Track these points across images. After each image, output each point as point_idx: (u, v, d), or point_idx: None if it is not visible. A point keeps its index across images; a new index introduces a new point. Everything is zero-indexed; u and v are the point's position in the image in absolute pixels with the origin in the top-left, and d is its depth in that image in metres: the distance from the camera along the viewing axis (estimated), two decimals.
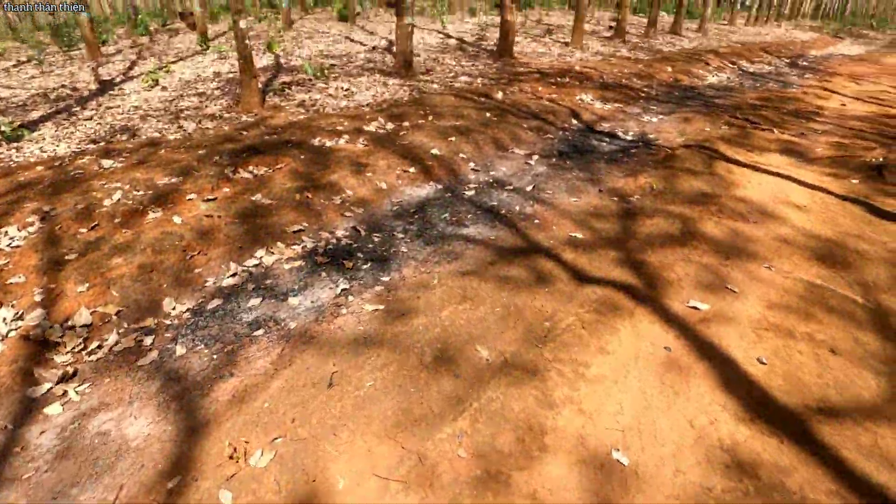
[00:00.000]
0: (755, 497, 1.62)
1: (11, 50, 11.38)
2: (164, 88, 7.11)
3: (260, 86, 6.67)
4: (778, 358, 2.20)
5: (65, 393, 2.11)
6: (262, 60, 9.14)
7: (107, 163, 4.13)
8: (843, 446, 1.78)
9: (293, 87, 7.08)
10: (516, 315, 2.50)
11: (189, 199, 3.58)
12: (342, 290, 2.83)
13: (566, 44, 11.95)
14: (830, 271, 2.87)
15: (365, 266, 3.08)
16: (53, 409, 2.03)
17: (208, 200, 3.61)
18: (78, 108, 6.19)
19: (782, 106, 7.16)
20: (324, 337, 2.42)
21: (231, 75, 7.80)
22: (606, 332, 2.35)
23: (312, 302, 2.74)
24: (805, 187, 4.06)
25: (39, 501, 1.69)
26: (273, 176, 4.02)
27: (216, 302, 2.73)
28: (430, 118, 5.56)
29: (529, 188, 4.21)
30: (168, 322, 2.54)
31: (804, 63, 13.34)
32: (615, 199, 3.93)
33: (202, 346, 2.39)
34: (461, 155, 4.83)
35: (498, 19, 11.24)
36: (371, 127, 5.16)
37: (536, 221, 3.59)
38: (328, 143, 4.69)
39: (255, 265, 3.08)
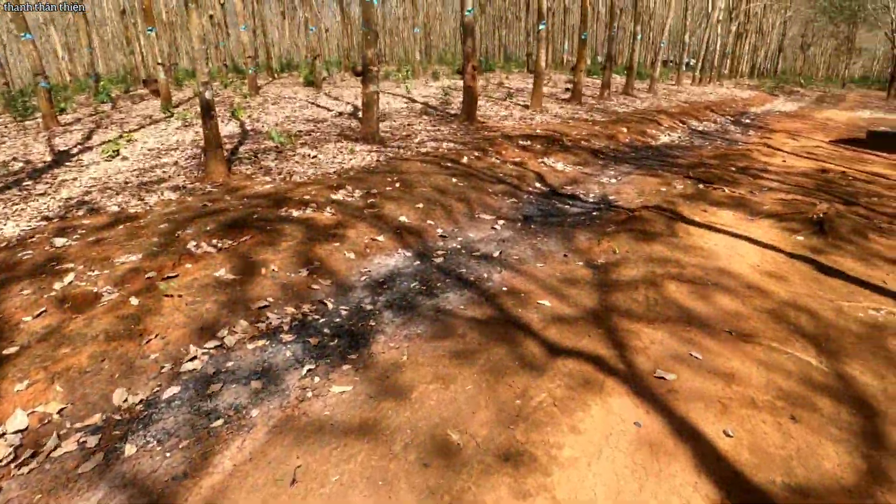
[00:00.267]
0: None
1: None
2: (125, 158, 7.05)
3: (226, 154, 6.69)
4: (743, 429, 2.21)
5: None
6: (227, 127, 9.22)
7: (59, 241, 4.00)
8: None
9: (260, 156, 7.13)
10: (487, 393, 2.47)
11: (148, 278, 3.47)
12: (308, 370, 2.74)
13: (526, 106, 12.54)
14: (786, 333, 2.96)
15: (332, 343, 3.01)
16: None
17: (169, 278, 3.51)
18: (30, 183, 6.02)
19: (731, 164, 7.61)
20: (288, 425, 2.32)
21: (196, 144, 7.82)
22: (578, 408, 2.33)
23: (276, 385, 2.64)
24: (757, 245, 4.25)
25: None
26: (237, 248, 3.97)
27: (173, 390, 2.60)
28: (398, 185, 5.66)
29: (497, 254, 4.27)
30: (118, 417, 2.39)
31: (746, 120, 14.33)
32: (580, 263, 4.02)
33: (154, 442, 2.25)
34: (429, 221, 4.89)
35: (461, 83, 11.76)
36: (339, 195, 5.20)
37: (505, 289, 3.61)
38: (295, 213, 4.68)
39: (217, 346, 2.97)
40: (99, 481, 2.04)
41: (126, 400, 2.50)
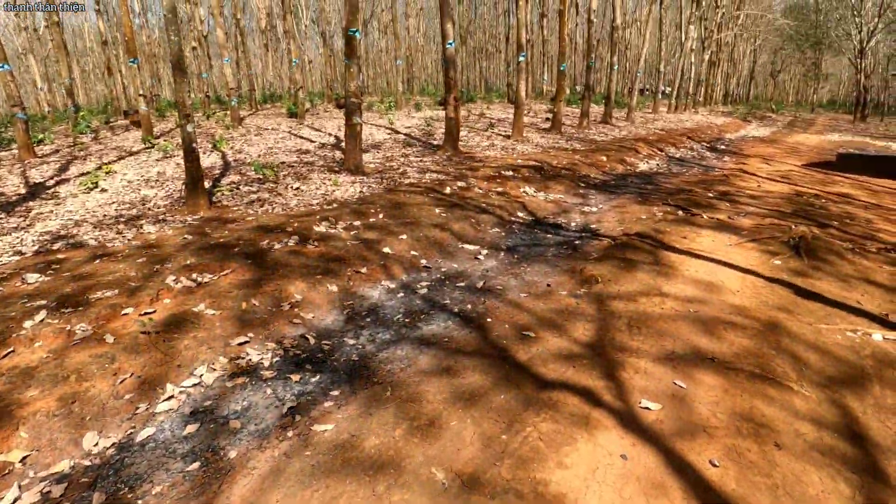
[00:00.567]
0: None
1: None
2: (103, 191, 6.96)
3: (207, 186, 6.65)
4: (729, 459, 2.19)
5: None
6: (209, 159, 9.20)
7: (32, 277, 3.90)
8: None
9: (242, 188, 7.11)
10: (473, 428, 2.42)
11: (125, 314, 3.39)
12: (289, 409, 2.67)
13: (508, 136, 12.76)
14: (767, 358, 2.98)
15: (314, 379, 2.95)
16: None
17: (146, 314, 3.43)
18: (3, 216, 5.90)
19: (708, 189, 7.78)
20: (267, 467, 2.24)
21: (177, 175, 7.77)
22: (564, 442, 2.30)
23: (256, 425, 2.56)
24: (736, 270, 4.31)
25: None
26: (218, 283, 3.90)
27: (147, 432, 2.51)
28: (381, 216, 5.66)
29: (480, 284, 4.27)
30: (87, 463, 2.29)
31: (722, 146, 14.74)
32: (563, 293, 4.03)
33: (125, 489, 2.15)
34: (413, 252, 4.89)
35: (443, 114, 11.95)
36: (322, 227, 5.18)
37: (489, 320, 3.59)
38: (277, 246, 4.64)
39: (195, 384, 2.89)
40: None
41: (97, 444, 2.40)
